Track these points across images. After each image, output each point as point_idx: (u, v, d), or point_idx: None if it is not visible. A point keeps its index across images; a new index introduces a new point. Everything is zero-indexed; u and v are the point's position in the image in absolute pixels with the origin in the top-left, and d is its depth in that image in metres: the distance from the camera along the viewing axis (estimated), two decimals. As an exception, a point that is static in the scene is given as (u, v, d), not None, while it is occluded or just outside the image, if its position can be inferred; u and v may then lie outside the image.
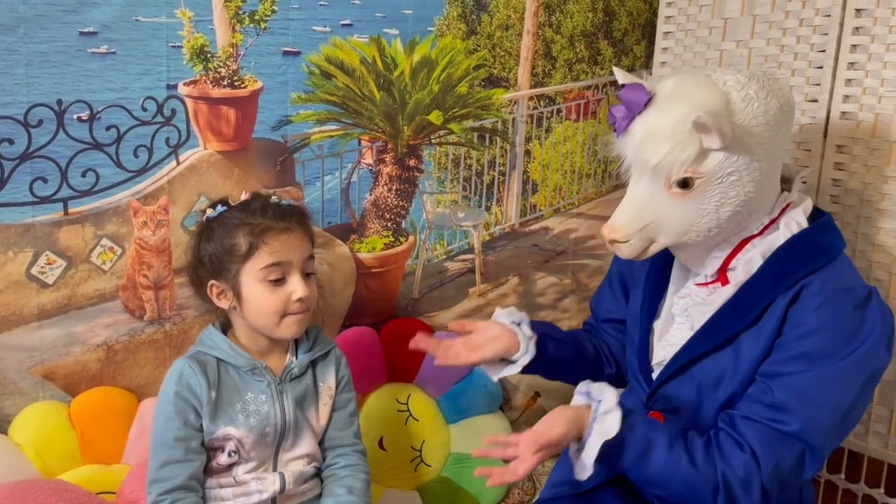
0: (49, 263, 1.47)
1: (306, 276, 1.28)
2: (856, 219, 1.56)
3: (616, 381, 1.44)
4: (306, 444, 1.34)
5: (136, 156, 1.52)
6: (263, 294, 1.24)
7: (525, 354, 1.30)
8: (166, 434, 1.24)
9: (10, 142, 1.40)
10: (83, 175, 1.48)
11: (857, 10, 1.53)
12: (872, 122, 1.52)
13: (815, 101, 1.60)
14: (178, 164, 1.56)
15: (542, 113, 2.00)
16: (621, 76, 1.21)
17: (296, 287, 1.25)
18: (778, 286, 1.15)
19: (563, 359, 1.39)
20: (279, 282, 1.24)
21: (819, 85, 1.59)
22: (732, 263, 1.20)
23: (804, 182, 1.25)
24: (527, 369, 1.33)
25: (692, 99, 1.11)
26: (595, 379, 1.36)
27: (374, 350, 1.79)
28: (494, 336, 1.31)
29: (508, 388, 2.00)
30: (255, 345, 1.31)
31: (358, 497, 1.34)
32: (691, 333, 1.22)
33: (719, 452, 1.11)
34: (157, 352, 1.59)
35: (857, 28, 1.53)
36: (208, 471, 1.29)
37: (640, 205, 1.17)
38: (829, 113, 1.58)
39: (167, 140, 1.54)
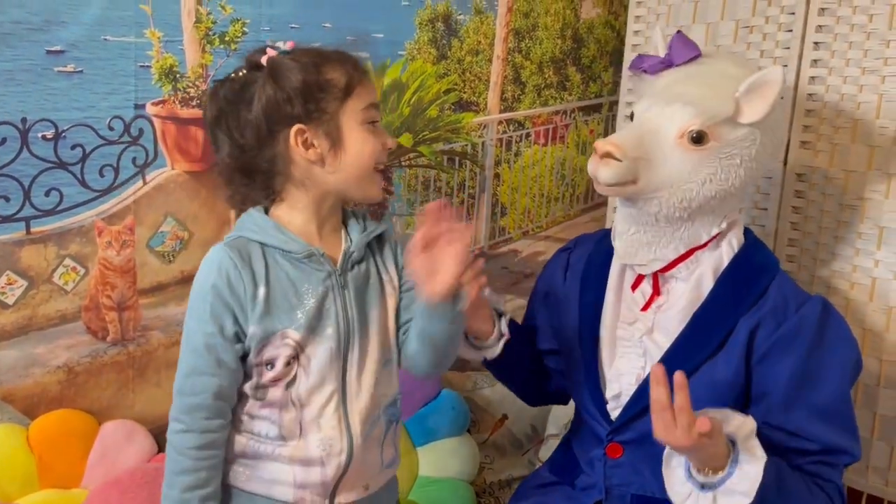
0: (9, 283, 1.45)
1: None
2: (814, 245, 1.60)
3: (557, 398, 1.45)
4: (377, 352, 1.10)
5: (101, 175, 1.51)
6: (365, 136, 1.04)
7: (487, 349, 1.20)
8: (196, 337, 1.03)
9: (-28, 160, 1.39)
10: (46, 194, 1.46)
11: (816, 44, 1.58)
12: (831, 151, 1.56)
13: (776, 129, 1.65)
14: (145, 183, 1.55)
15: (511, 137, 2.02)
16: (658, 34, 1.24)
17: (386, 134, 1.08)
18: (737, 311, 1.17)
19: (514, 368, 1.36)
20: (374, 126, 1.06)
21: (779, 114, 1.64)
22: (674, 271, 1.21)
23: (742, 205, 1.29)
24: (486, 364, 1.26)
25: (746, 70, 1.13)
26: (534, 394, 1.38)
27: (342, 372, 1.78)
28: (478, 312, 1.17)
29: (476, 411, 2.00)
30: (309, 223, 1.07)
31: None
32: (643, 360, 1.21)
33: (818, 487, 1.14)
34: (120, 374, 1.57)
35: (815, 60, 1.58)
36: (249, 397, 1.05)
37: (645, 136, 1.15)
38: (788, 141, 1.62)
39: (134, 160, 1.53)
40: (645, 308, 1.22)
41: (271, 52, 1.03)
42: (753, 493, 1.02)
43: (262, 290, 1.02)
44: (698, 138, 1.14)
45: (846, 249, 1.55)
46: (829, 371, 1.15)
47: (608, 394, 1.25)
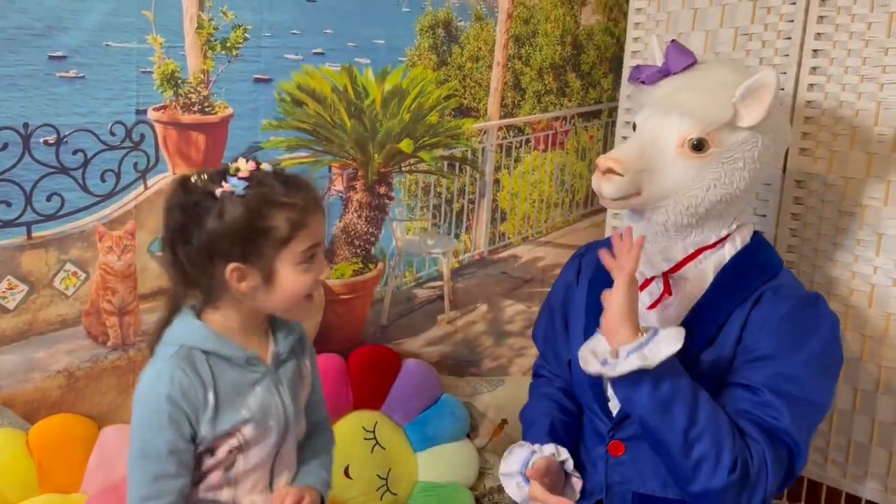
0: (10, 288, 1.45)
1: None
2: (813, 251, 1.60)
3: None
4: (301, 434, 1.24)
5: (102, 180, 1.51)
6: (297, 276, 1.12)
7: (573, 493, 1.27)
8: (158, 445, 1.08)
9: (-26, 165, 1.39)
10: (48, 199, 1.46)
11: (814, 51, 1.58)
12: (829, 158, 1.57)
13: (775, 136, 1.65)
14: (146, 188, 1.55)
15: (511, 143, 2.03)
16: (655, 43, 1.25)
17: (322, 267, 1.15)
18: (731, 303, 1.17)
19: (575, 440, 1.36)
20: (311, 263, 1.14)
21: (778, 121, 1.65)
22: (682, 271, 1.21)
23: (752, 205, 1.29)
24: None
25: (742, 75, 1.13)
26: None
27: (342, 377, 1.79)
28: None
29: (475, 416, 2.00)
30: (241, 331, 1.16)
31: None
32: None
33: (742, 434, 1.10)
34: (120, 378, 1.57)
35: (813, 67, 1.59)
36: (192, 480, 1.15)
37: (646, 148, 1.16)
38: (787, 148, 1.63)
39: (135, 165, 1.54)
40: (652, 306, 1.23)
41: (226, 187, 1.08)
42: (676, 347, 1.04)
43: (210, 395, 1.11)
44: (699, 146, 1.15)
45: (845, 256, 1.55)
46: (806, 367, 1.12)
47: (610, 391, 1.26)
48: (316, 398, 1.30)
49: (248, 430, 1.13)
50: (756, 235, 1.26)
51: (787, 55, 1.62)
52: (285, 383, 1.19)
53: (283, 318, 1.19)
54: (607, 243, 1.39)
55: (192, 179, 1.11)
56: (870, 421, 1.54)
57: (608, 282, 1.29)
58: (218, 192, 1.08)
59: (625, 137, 1.25)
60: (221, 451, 1.13)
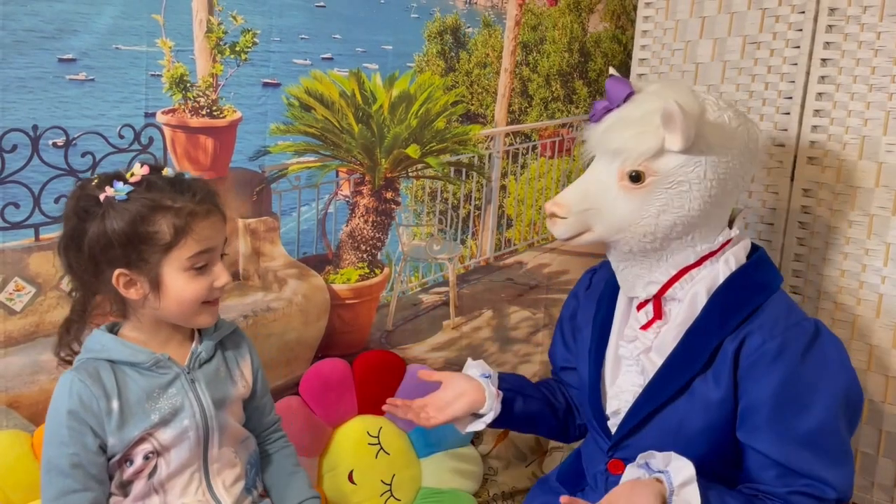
0: (18, 290, 1.45)
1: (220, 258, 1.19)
2: (821, 261, 1.60)
3: (585, 429, 1.44)
4: (237, 433, 1.25)
5: (111, 183, 1.51)
6: (186, 283, 1.12)
7: (489, 412, 1.32)
8: (60, 460, 1.09)
9: (-17, 166, 1.39)
10: (56, 201, 1.46)
11: (823, 60, 1.58)
12: (837, 167, 1.57)
13: (783, 145, 1.65)
14: (154, 192, 1.55)
15: (517, 149, 2.03)
16: (614, 74, 1.26)
17: (219, 274, 1.15)
18: (724, 327, 1.16)
19: (531, 414, 1.40)
20: (203, 269, 1.14)
21: (786, 130, 1.64)
22: (669, 293, 1.21)
23: (746, 221, 1.29)
24: (495, 424, 1.34)
25: (668, 98, 1.14)
26: (567, 430, 1.40)
27: (347, 382, 1.78)
28: (461, 392, 1.32)
29: (480, 421, 2.00)
30: (154, 337, 1.18)
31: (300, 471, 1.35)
32: (642, 378, 1.22)
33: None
34: (126, 381, 1.57)
35: (822, 77, 1.59)
36: (114, 494, 1.15)
37: (589, 188, 1.20)
38: (795, 157, 1.63)
39: (143, 168, 1.54)
40: (645, 327, 1.23)
41: (109, 192, 1.09)
42: None
43: (115, 404, 1.11)
44: (636, 177, 1.17)
45: (853, 265, 1.55)
46: (816, 396, 1.12)
47: (608, 410, 1.27)
48: (259, 403, 1.31)
49: (161, 434, 1.13)
50: (756, 253, 1.24)
51: (796, 64, 1.62)
52: (203, 383, 1.19)
53: (184, 325, 1.18)
54: None
55: (91, 183, 1.12)
56: (877, 431, 1.53)
57: (610, 300, 1.31)
58: (102, 196, 1.09)
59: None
60: (138, 459, 1.13)
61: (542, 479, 1.46)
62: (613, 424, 1.26)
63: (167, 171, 1.15)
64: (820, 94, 1.59)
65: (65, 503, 1.09)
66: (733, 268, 1.21)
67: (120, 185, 1.10)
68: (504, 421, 1.35)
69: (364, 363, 1.82)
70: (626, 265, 1.25)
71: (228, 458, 1.22)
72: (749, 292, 1.18)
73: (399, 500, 1.81)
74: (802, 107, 1.61)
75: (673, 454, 1.10)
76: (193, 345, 1.21)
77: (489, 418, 1.32)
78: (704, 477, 1.07)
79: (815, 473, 1.11)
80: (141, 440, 1.13)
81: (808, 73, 1.60)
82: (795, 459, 1.11)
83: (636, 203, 1.17)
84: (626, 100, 1.18)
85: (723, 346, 1.16)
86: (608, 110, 1.20)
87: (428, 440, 1.84)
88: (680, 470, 1.07)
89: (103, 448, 1.11)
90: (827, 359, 1.14)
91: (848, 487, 1.13)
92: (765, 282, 1.21)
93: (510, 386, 1.38)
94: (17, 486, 1.43)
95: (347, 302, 1.83)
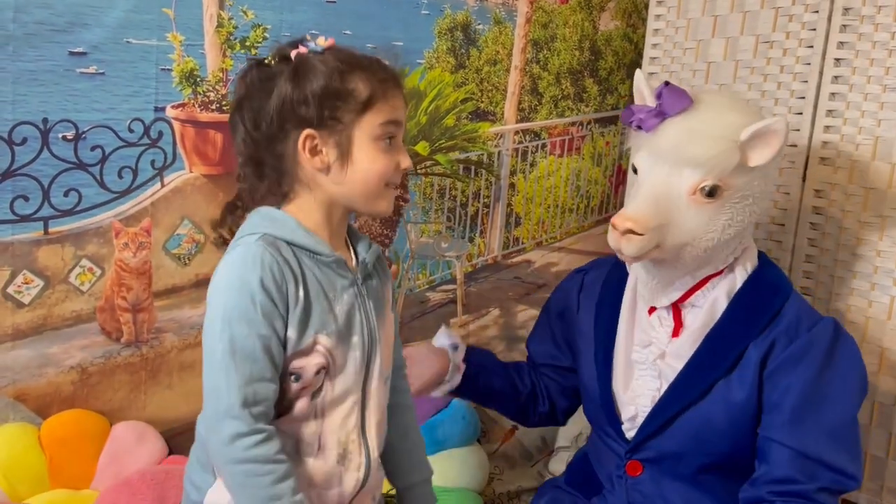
0: (26, 283, 1.45)
1: None
2: (833, 263, 1.59)
3: (549, 419, 1.44)
4: (387, 367, 1.08)
5: (120, 177, 1.51)
6: (376, 154, 0.99)
7: (446, 384, 1.32)
8: (250, 341, 0.92)
9: (-7, 159, 1.39)
10: (65, 195, 1.46)
11: (837, 60, 1.57)
12: (849, 168, 1.55)
13: (795, 145, 1.64)
14: (163, 186, 1.55)
15: (527, 147, 2.02)
16: (641, 79, 1.24)
17: (403, 155, 1.02)
18: (749, 333, 1.17)
19: (492, 391, 1.38)
20: (391, 142, 1.01)
21: (798, 130, 1.63)
22: (691, 299, 1.21)
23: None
24: (456, 394, 1.34)
25: (742, 113, 1.13)
26: (526, 414, 1.39)
27: (353, 379, 1.78)
28: (428, 364, 1.30)
29: (486, 420, 1.99)
30: (320, 231, 1.01)
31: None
32: (658, 382, 1.22)
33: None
34: (133, 375, 1.57)
35: (835, 77, 1.57)
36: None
37: (659, 201, 1.14)
38: (807, 158, 1.61)
39: (153, 162, 1.54)
40: (675, 334, 1.22)
41: (302, 49, 0.99)
42: None
43: (301, 292, 0.96)
44: (712, 192, 1.14)
45: (865, 267, 1.54)
46: (838, 392, 1.15)
47: (624, 416, 1.26)
48: (397, 339, 1.15)
49: (334, 347, 0.98)
50: (761, 256, 1.26)
51: (809, 64, 1.61)
52: (369, 298, 1.04)
53: (362, 210, 1.04)
54: (610, 261, 1.38)
55: (266, 59, 1.02)
56: (886, 434, 1.52)
57: (612, 303, 1.29)
58: (293, 53, 0.98)
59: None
60: (308, 373, 0.97)
61: (549, 485, 1.45)
62: (629, 429, 1.25)
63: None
64: (833, 94, 1.58)
65: (254, 391, 0.92)
66: (749, 271, 1.21)
67: (312, 44, 0.99)
68: (463, 392, 1.35)
69: (371, 360, 1.81)
70: (660, 276, 1.21)
71: (381, 394, 1.06)
72: (769, 293, 1.19)
73: (404, 497, 1.80)
74: (815, 107, 1.60)
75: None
76: (360, 252, 1.05)
77: (446, 388, 1.32)
78: (725, 471, 1.06)
79: (839, 467, 1.13)
80: (315, 347, 0.97)
81: (821, 73, 1.59)
82: (823, 454, 1.13)
83: (705, 217, 1.14)
84: (682, 111, 1.14)
85: (747, 351, 1.16)
86: (660, 116, 1.15)
87: (434, 438, 1.84)
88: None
89: (283, 340, 0.95)
90: (846, 355, 1.17)
91: (861, 476, 1.16)
92: (779, 283, 1.23)
93: (477, 360, 1.36)
94: (23, 479, 1.43)
95: (355, 298, 1.83)
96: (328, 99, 0.97)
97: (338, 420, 1.01)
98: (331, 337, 0.98)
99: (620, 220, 1.13)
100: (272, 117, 0.98)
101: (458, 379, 1.31)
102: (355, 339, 1.01)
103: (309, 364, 0.97)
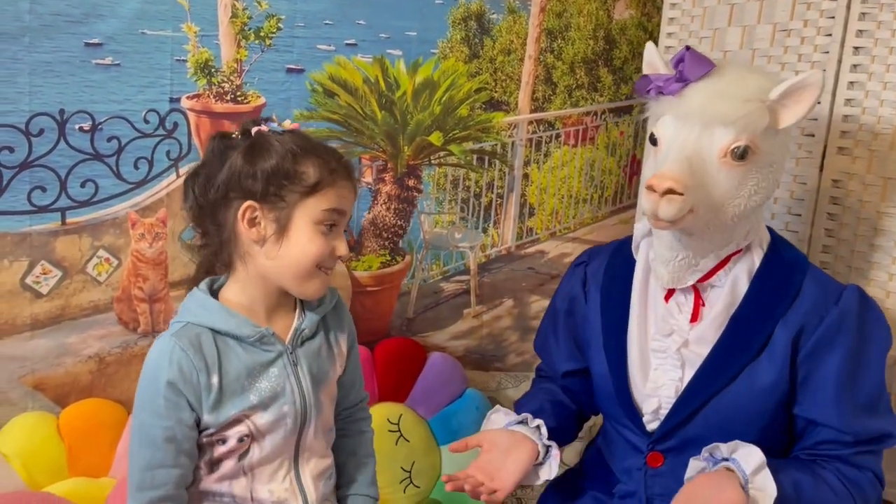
0: (44, 273, 1.47)
1: None
2: (850, 253, 1.57)
3: (584, 421, 1.43)
4: (328, 420, 1.16)
5: (136, 168, 1.52)
6: (311, 237, 1.04)
7: (545, 467, 1.23)
8: (154, 431, 1.02)
9: (11, 150, 1.40)
10: (82, 185, 1.47)
11: (855, 48, 1.55)
12: (868, 157, 1.54)
13: (812, 135, 1.62)
14: (178, 177, 1.56)
15: (541, 137, 2.01)
16: (653, 51, 1.24)
17: (341, 242, 1.07)
18: (774, 314, 1.16)
19: (569, 438, 1.36)
20: (330, 229, 1.06)
21: (816, 119, 1.62)
22: (712, 279, 1.19)
23: None
24: None
25: (765, 76, 1.12)
26: (576, 434, 1.36)
27: (367, 369, 1.79)
28: (507, 451, 1.22)
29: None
30: (256, 305, 1.08)
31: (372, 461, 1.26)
32: (681, 371, 1.19)
33: (851, 483, 1.14)
34: (150, 365, 1.58)
35: (854, 65, 1.56)
36: (201, 471, 1.07)
37: (692, 162, 1.11)
38: (825, 147, 1.60)
39: (168, 153, 1.54)
40: (694, 319, 1.20)
41: (263, 127, 1.05)
42: None
43: (215, 379, 1.03)
44: (743, 154, 1.11)
45: (883, 258, 1.52)
46: (874, 360, 1.17)
47: (646, 408, 1.23)
48: (349, 380, 1.21)
49: (258, 418, 1.06)
50: (770, 231, 1.25)
51: (828, 52, 1.59)
52: (304, 364, 1.10)
53: (292, 289, 1.08)
54: (608, 249, 1.36)
55: (232, 133, 1.07)
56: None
57: (620, 291, 1.26)
58: (254, 130, 1.05)
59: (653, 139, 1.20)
60: (232, 440, 1.06)
61: (560, 478, 1.40)
62: (651, 420, 1.23)
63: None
64: (851, 83, 1.56)
65: (152, 477, 1.02)
66: (765, 248, 1.21)
67: (275, 125, 1.06)
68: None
69: (385, 350, 1.82)
70: (686, 254, 1.17)
71: (318, 445, 1.14)
72: (788, 270, 1.19)
73: (418, 487, 1.81)
74: (833, 95, 1.58)
75: (739, 442, 1.08)
76: (297, 319, 1.11)
77: (546, 475, 1.23)
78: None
79: (883, 431, 1.16)
80: (237, 421, 1.05)
81: (839, 62, 1.57)
82: (865, 426, 1.14)
83: (734, 181, 1.11)
84: (705, 75, 1.12)
85: (775, 333, 1.15)
86: (682, 81, 1.12)
87: (448, 427, 1.85)
88: (749, 456, 1.06)
89: (197, 423, 1.04)
90: (875, 320, 1.18)
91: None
92: (795, 258, 1.22)
93: (555, 425, 1.28)
94: (42, 468, 1.45)
95: (369, 289, 1.83)
96: (276, 177, 1.02)
97: (266, 475, 1.09)
98: (254, 410, 1.05)
99: (658, 179, 1.08)
100: (219, 185, 1.03)
101: (556, 466, 1.23)
102: (286, 407, 1.07)
103: (231, 433, 1.05)
